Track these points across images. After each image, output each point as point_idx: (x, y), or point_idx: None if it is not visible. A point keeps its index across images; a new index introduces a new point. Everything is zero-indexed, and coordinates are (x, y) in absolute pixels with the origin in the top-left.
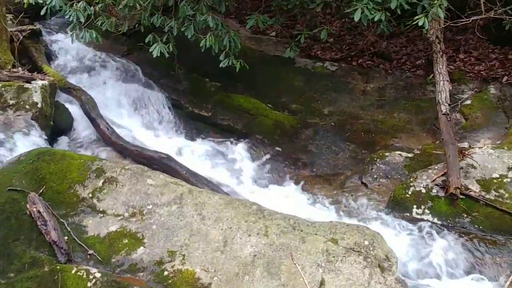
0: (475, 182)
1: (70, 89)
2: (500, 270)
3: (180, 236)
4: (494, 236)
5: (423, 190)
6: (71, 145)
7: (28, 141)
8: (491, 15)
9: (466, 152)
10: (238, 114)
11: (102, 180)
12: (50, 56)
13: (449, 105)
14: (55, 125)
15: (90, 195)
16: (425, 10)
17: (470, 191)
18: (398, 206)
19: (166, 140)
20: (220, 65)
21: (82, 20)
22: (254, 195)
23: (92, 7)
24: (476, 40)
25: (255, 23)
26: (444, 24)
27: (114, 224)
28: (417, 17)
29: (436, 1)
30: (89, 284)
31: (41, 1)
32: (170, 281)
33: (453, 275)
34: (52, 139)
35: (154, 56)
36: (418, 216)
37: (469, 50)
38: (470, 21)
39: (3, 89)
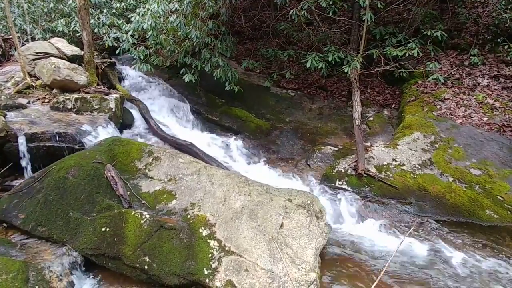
0: (373, 166)
1: (132, 100)
2: (383, 217)
3: (198, 194)
4: (382, 199)
5: (343, 170)
6: (132, 135)
7: (106, 132)
8: (387, 67)
9: (369, 149)
10: (235, 119)
11: (151, 158)
12: (120, 79)
13: (360, 120)
14: (123, 122)
15: (144, 167)
16: (348, 63)
17: (370, 172)
18: (328, 179)
19: (191, 133)
20: (225, 89)
21: (141, 57)
22: (243, 169)
23: (147, 49)
24: (377, 81)
25: (247, 65)
26: (359, 71)
27: (158, 185)
28: (343, 66)
29: (355, 58)
30: (141, 222)
31: (116, 44)
32: (191, 221)
33: (356, 220)
34: (120, 131)
35: (186, 81)
36: (339, 186)
37: (373, 87)
38: (375, 70)
39: (91, 98)
